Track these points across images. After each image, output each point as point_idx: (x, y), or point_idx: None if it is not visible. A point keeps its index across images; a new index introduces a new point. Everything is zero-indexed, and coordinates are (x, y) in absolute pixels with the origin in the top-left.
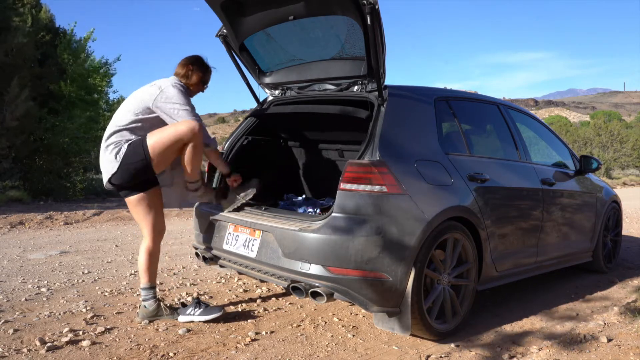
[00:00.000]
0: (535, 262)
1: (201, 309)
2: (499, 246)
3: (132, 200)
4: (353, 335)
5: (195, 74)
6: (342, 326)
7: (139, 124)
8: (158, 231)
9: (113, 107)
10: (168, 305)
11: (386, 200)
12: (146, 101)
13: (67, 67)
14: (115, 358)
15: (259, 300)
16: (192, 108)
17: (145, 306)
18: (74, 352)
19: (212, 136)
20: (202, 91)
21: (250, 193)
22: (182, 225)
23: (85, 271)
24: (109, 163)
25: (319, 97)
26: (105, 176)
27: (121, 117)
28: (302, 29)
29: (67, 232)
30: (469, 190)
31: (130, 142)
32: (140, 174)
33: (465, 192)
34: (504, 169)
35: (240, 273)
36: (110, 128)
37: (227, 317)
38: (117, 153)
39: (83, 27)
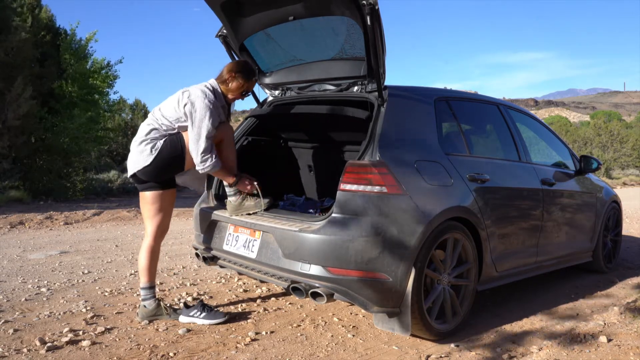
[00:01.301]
0: (535, 262)
1: (205, 313)
2: (499, 246)
3: (149, 196)
4: (353, 335)
5: (235, 82)
6: (342, 326)
7: (177, 131)
8: (162, 231)
9: (113, 107)
10: (168, 305)
11: (386, 201)
12: (180, 113)
13: (67, 67)
14: (115, 358)
15: (259, 300)
16: (208, 128)
17: (145, 306)
18: (74, 352)
19: (213, 159)
20: (242, 99)
21: (262, 206)
22: (182, 225)
23: (85, 271)
24: (142, 156)
25: (319, 98)
26: (134, 168)
27: (158, 120)
28: (302, 29)
29: (67, 232)
30: (469, 191)
31: (166, 138)
32: (172, 168)
33: (465, 192)
34: (504, 169)
35: (240, 273)
36: (147, 127)
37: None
38: (153, 147)
39: (83, 27)
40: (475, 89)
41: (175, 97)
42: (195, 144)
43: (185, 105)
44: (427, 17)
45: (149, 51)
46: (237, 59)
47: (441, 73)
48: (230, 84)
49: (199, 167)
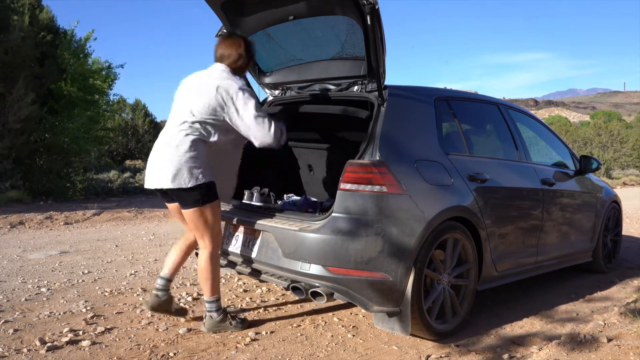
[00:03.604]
0: (535, 262)
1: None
2: (499, 246)
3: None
4: (353, 335)
5: (244, 58)
6: (342, 326)
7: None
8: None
9: (113, 107)
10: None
11: (386, 200)
12: (215, 105)
13: (67, 66)
14: (115, 358)
15: (259, 300)
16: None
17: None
18: (74, 352)
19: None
20: (253, 60)
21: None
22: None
23: (85, 271)
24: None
25: (319, 97)
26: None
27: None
28: (302, 29)
29: (67, 232)
30: (469, 190)
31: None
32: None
33: (465, 192)
34: (504, 169)
35: (240, 273)
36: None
37: None
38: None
39: (83, 27)
40: (476, 89)
41: (204, 92)
42: (256, 126)
43: (221, 95)
44: (427, 17)
45: (149, 51)
46: None
47: (441, 73)
48: (239, 62)
49: (277, 144)
